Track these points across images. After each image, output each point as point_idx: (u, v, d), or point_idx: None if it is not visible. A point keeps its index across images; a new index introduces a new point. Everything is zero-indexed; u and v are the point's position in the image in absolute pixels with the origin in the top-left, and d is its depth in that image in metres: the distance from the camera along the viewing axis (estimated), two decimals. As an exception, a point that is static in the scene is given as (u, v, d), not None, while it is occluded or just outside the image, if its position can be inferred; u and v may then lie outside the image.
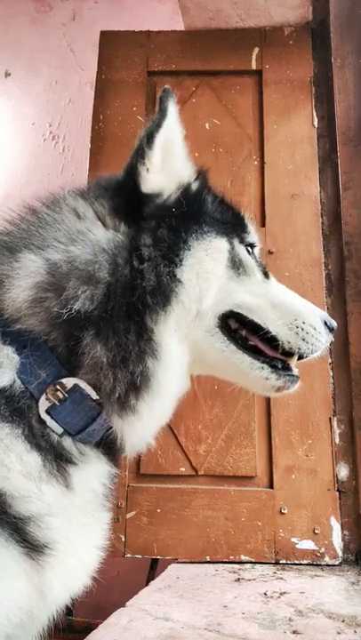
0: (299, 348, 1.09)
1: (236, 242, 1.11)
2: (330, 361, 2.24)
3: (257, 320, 1.08)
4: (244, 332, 1.10)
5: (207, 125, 2.52)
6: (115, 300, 0.89)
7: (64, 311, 0.86)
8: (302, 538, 2.05)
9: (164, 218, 1.00)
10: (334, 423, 2.18)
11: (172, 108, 1.06)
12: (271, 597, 1.65)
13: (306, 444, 2.15)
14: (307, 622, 1.44)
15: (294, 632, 1.38)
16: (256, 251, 1.19)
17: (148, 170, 1.00)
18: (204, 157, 2.46)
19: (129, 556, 2.07)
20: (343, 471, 2.13)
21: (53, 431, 0.86)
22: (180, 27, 2.69)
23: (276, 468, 2.13)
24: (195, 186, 1.11)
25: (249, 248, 1.15)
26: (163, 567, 2.04)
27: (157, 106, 1.05)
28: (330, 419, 2.17)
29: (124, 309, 0.90)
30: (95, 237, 0.95)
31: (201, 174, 1.16)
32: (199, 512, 2.09)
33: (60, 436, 0.86)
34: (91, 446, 0.90)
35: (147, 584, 1.88)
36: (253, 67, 2.57)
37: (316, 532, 2.05)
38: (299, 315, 1.11)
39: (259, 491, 2.12)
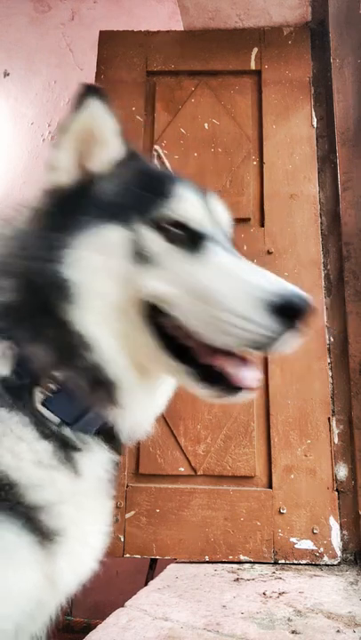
0: (226, 345, 0.88)
1: (140, 227, 0.94)
2: (329, 361, 2.25)
3: (175, 313, 0.90)
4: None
5: (206, 125, 2.52)
6: (33, 296, 0.89)
7: None
8: (301, 538, 2.05)
9: (56, 214, 0.96)
10: (333, 423, 2.18)
11: (85, 110, 1.01)
12: (270, 597, 1.65)
13: (305, 443, 2.15)
14: (306, 622, 1.44)
15: (293, 632, 1.38)
16: (195, 224, 0.97)
17: (53, 167, 0.99)
18: (202, 157, 2.47)
19: (128, 555, 2.07)
20: (342, 471, 2.14)
21: (51, 422, 0.87)
22: (180, 27, 2.69)
23: (275, 467, 2.13)
24: (107, 171, 1.02)
25: (172, 227, 0.95)
26: (162, 567, 2.04)
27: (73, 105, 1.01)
28: (329, 419, 2.17)
29: (42, 306, 0.89)
30: (19, 237, 0.95)
31: (128, 155, 1.05)
32: (198, 512, 2.09)
33: (58, 426, 0.87)
34: (91, 435, 0.91)
35: (146, 584, 1.87)
36: (252, 67, 2.58)
37: (315, 531, 2.05)
38: (221, 302, 0.88)
39: (258, 491, 2.12)
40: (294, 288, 0.88)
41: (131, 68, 2.61)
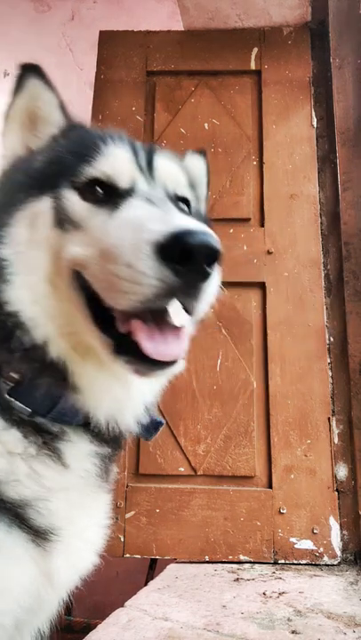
0: (125, 305, 0.74)
1: (64, 191, 0.88)
2: (329, 361, 2.25)
3: (88, 277, 0.82)
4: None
5: (206, 125, 2.52)
6: None
7: None
8: (301, 538, 2.05)
9: (2, 197, 0.95)
10: (333, 423, 2.18)
11: (23, 95, 0.99)
12: (270, 597, 1.65)
13: (305, 443, 2.15)
14: (306, 622, 1.44)
15: (293, 632, 1.38)
16: (121, 182, 0.89)
17: (4, 156, 1.00)
18: (203, 157, 2.47)
19: (128, 555, 2.07)
20: (342, 471, 2.14)
21: (22, 412, 0.83)
22: (180, 27, 2.69)
23: (275, 467, 2.13)
24: (43, 146, 1.00)
25: (97, 187, 0.88)
26: (162, 567, 2.04)
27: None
28: (329, 419, 2.17)
29: None
30: None
31: (69, 126, 1.01)
32: (198, 512, 2.09)
33: (30, 416, 0.84)
34: (71, 426, 0.87)
35: (146, 584, 1.88)
36: (252, 67, 2.58)
37: (315, 531, 2.05)
38: (116, 255, 0.74)
39: (258, 491, 2.12)
40: (193, 224, 0.71)
41: (131, 68, 2.61)
